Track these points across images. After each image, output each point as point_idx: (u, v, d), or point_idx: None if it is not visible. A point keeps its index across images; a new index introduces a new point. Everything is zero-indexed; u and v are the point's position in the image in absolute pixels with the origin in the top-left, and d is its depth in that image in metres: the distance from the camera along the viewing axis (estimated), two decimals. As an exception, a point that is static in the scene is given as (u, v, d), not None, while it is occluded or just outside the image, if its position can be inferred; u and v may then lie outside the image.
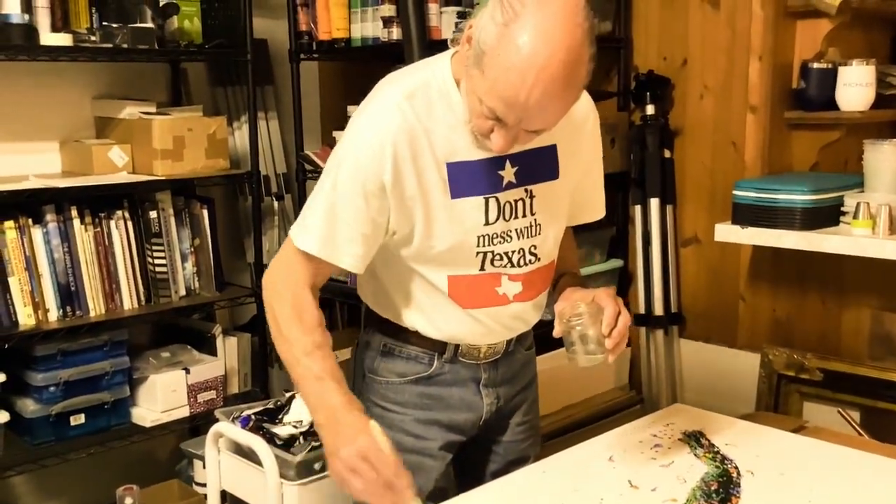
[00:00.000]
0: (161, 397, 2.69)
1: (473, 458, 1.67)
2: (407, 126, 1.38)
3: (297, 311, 1.43)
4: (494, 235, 1.46)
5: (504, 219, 1.46)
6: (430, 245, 1.44)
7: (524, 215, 1.49)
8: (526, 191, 1.48)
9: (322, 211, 1.42)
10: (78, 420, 2.55)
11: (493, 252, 1.47)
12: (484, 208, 1.44)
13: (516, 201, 1.47)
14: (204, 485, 2.49)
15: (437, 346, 1.55)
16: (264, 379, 3.08)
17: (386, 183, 1.38)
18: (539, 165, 1.47)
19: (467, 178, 1.42)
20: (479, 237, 1.45)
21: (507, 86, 1.23)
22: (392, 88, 1.42)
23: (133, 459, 2.93)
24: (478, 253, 1.46)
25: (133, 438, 2.71)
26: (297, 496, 1.92)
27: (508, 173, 1.45)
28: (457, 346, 1.55)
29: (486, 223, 1.45)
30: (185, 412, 2.76)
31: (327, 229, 1.41)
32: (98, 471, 2.86)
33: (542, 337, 1.73)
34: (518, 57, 1.22)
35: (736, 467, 1.56)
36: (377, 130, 1.38)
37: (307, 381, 1.41)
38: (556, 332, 1.46)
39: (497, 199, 1.45)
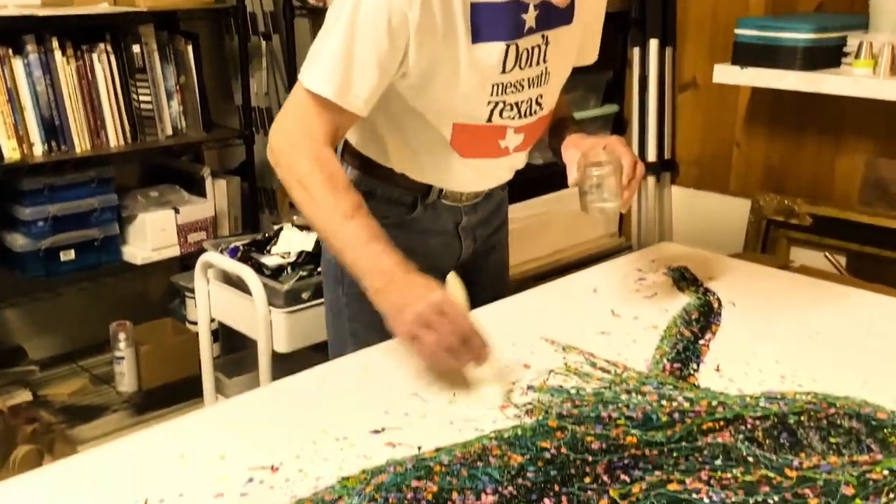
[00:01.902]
0: (151, 236, 2.70)
1: None
2: None
3: (326, 172, 1.29)
4: (508, 84, 1.37)
5: (520, 67, 1.37)
6: (443, 92, 1.34)
7: (538, 63, 1.39)
8: (542, 37, 1.38)
9: (337, 49, 1.26)
10: (68, 256, 2.56)
11: (503, 102, 1.38)
12: (503, 55, 1.34)
13: (533, 48, 1.37)
14: (196, 322, 2.53)
15: (421, 188, 1.49)
16: (255, 223, 3.08)
17: (411, 20, 1.24)
18: (556, 8, 1.33)
19: (491, 21, 1.30)
20: (493, 86, 1.36)
21: None
22: None
23: (126, 297, 2.96)
24: (489, 102, 1.38)
25: (124, 276, 2.74)
26: (285, 323, 1.95)
27: (530, 17, 1.34)
28: (441, 189, 1.50)
29: (503, 71, 1.35)
30: (175, 251, 2.77)
31: (343, 70, 1.26)
32: (91, 307, 2.90)
33: (531, 182, 1.70)
34: None
35: (718, 299, 1.57)
36: None
37: (354, 247, 1.28)
38: (572, 181, 1.40)
39: (517, 46, 1.34)
